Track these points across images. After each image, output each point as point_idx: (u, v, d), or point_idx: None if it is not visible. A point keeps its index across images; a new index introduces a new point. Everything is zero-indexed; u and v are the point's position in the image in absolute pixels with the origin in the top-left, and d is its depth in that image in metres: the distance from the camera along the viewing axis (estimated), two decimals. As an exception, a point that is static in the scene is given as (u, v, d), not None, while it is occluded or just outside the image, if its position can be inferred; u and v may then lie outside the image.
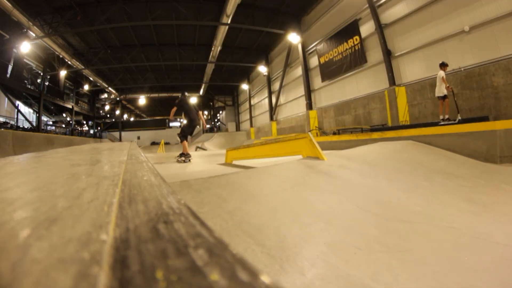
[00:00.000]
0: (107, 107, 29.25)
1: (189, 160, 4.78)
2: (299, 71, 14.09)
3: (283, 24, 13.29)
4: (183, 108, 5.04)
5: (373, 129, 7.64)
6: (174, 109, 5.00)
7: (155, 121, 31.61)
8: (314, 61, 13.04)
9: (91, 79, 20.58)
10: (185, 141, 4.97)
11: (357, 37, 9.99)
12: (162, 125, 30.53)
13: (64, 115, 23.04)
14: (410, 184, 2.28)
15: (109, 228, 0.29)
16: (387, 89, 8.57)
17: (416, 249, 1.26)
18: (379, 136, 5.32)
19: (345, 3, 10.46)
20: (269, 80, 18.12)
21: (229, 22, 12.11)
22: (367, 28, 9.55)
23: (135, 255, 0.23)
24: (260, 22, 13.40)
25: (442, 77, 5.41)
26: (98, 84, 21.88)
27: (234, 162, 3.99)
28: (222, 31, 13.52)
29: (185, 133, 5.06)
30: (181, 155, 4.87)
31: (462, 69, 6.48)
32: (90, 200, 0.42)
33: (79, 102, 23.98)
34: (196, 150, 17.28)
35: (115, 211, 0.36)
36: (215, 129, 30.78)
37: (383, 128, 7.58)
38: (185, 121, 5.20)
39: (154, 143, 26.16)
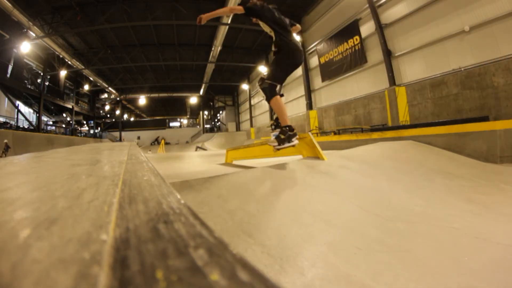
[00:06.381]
0: (107, 107, 29.28)
1: (294, 139, 2.35)
2: (299, 71, 14.07)
3: (283, 24, 13.29)
4: (265, 18, 2.42)
5: (373, 129, 7.63)
6: (237, 8, 2.40)
7: (155, 121, 31.72)
8: (314, 61, 13.04)
9: (91, 79, 20.60)
10: (277, 98, 2.36)
11: (357, 37, 9.99)
12: (162, 125, 30.65)
13: (64, 115, 23.05)
14: (410, 184, 2.28)
15: (109, 228, 0.29)
16: (387, 89, 8.57)
17: (416, 249, 1.26)
18: (379, 136, 5.32)
19: (345, 3, 10.46)
20: (269, 80, 18.11)
21: (229, 22, 12.12)
22: (367, 28, 9.55)
23: (135, 255, 0.22)
24: (260, 22, 13.38)
25: None
26: (98, 84, 21.90)
27: (234, 162, 3.98)
28: (222, 31, 13.52)
29: (278, 77, 2.43)
30: (278, 135, 2.37)
31: (462, 69, 6.47)
32: (90, 200, 0.42)
33: (79, 102, 24.00)
34: (196, 150, 17.32)
35: (115, 211, 0.36)
36: (215, 129, 30.81)
37: (383, 128, 7.57)
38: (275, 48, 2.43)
39: (154, 143, 26.29)
